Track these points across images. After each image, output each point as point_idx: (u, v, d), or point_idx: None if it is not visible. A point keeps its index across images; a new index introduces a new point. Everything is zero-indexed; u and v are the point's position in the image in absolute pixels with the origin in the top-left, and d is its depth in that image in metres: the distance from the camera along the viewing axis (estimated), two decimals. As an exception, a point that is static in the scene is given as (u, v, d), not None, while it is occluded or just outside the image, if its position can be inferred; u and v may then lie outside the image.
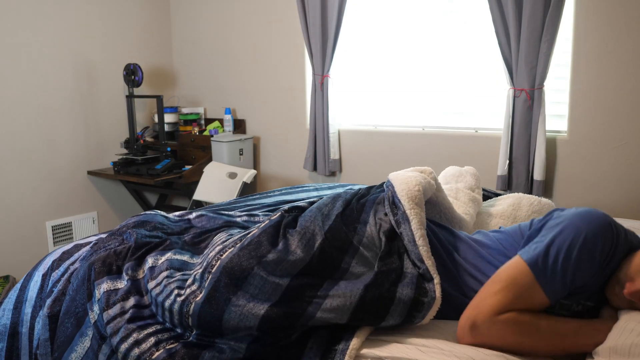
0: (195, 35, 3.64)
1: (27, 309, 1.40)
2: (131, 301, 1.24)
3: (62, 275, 1.40)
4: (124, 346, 1.16)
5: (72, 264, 1.43)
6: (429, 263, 1.18)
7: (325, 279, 1.19)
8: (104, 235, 1.53)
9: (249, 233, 1.32)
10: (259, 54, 3.34)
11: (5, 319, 1.41)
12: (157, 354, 1.11)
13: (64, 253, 1.49)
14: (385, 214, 1.32)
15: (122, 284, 1.30)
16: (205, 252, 1.33)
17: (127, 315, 1.21)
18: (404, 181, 1.36)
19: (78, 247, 1.51)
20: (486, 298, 1.10)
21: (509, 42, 2.37)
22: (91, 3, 3.23)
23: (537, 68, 2.31)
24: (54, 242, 3.14)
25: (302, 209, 1.43)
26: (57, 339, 1.28)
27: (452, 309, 1.19)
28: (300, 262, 1.20)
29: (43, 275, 1.44)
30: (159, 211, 1.67)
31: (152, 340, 1.15)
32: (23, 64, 2.93)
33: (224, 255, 1.23)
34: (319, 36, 2.89)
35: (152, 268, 1.31)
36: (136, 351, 1.14)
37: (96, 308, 1.26)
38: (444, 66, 2.72)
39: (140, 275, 1.32)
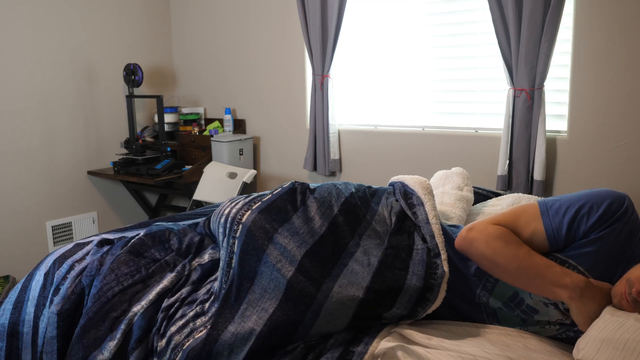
0: (195, 35, 3.64)
1: (30, 308, 1.40)
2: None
3: (68, 272, 1.40)
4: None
5: (78, 261, 1.43)
6: (439, 240, 1.24)
7: (340, 253, 1.23)
8: (115, 253, 1.47)
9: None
10: (259, 54, 3.34)
11: (4, 318, 1.41)
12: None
13: (65, 252, 1.49)
14: (397, 200, 1.38)
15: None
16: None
17: None
18: (412, 178, 1.45)
19: (80, 246, 1.51)
20: (492, 215, 1.24)
21: (509, 42, 2.37)
22: (91, 3, 3.23)
23: (537, 68, 2.31)
24: (54, 242, 3.14)
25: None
26: (71, 358, 1.27)
27: (456, 296, 1.23)
28: (318, 230, 1.25)
29: (45, 274, 1.43)
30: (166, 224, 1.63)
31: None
32: (23, 64, 2.93)
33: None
34: (319, 36, 2.89)
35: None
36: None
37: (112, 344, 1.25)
38: (444, 66, 2.71)
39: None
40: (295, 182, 1.42)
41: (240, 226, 1.26)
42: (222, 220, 1.32)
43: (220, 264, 1.29)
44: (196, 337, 1.17)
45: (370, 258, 1.21)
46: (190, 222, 1.64)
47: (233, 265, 1.23)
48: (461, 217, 1.66)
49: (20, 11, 2.89)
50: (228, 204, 1.38)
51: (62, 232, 3.19)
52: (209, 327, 1.17)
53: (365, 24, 2.93)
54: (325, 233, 1.25)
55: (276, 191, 1.37)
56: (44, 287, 1.41)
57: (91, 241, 1.54)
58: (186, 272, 1.35)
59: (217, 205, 1.91)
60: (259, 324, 1.13)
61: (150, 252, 1.40)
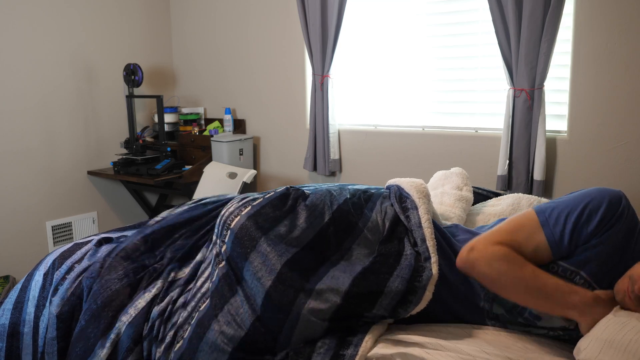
0: (195, 35, 3.64)
1: (30, 309, 1.40)
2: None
3: (67, 273, 1.40)
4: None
5: (77, 262, 1.43)
6: (431, 244, 1.22)
7: (322, 263, 1.22)
8: (110, 252, 1.49)
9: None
10: (259, 54, 3.34)
11: (5, 319, 1.41)
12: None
13: (64, 251, 1.49)
14: (391, 205, 1.36)
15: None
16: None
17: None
18: (409, 181, 1.43)
19: (79, 246, 1.50)
20: (491, 232, 1.19)
21: (509, 42, 2.37)
22: (91, 3, 3.23)
23: (537, 68, 2.30)
24: (54, 242, 3.14)
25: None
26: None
27: (457, 301, 1.22)
28: (303, 240, 1.24)
29: (44, 274, 1.43)
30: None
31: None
32: (23, 64, 2.93)
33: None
34: (319, 36, 2.89)
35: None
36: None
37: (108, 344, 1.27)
38: (444, 66, 2.71)
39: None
40: (290, 187, 1.42)
41: (229, 232, 1.27)
42: (218, 220, 1.34)
43: (212, 263, 1.30)
44: (184, 337, 1.20)
45: (355, 267, 1.20)
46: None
47: (222, 266, 1.25)
48: (461, 217, 1.66)
49: (20, 11, 2.89)
50: (226, 207, 1.38)
51: (62, 232, 3.19)
52: (196, 330, 1.19)
53: (365, 24, 2.93)
54: (310, 243, 1.24)
55: (268, 195, 1.37)
56: (44, 288, 1.41)
57: (90, 241, 1.54)
58: (170, 279, 1.36)
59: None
60: (239, 332, 1.15)
61: (141, 258, 1.41)
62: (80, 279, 1.37)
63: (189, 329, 1.20)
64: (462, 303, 1.24)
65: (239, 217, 1.29)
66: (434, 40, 2.73)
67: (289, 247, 1.22)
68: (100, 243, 1.51)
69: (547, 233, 1.14)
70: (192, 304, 1.26)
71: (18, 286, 1.47)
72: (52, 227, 3.13)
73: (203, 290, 1.28)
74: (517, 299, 1.13)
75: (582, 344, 1.02)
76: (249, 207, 1.31)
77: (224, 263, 1.25)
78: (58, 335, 1.31)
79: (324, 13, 2.87)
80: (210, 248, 1.37)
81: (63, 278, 1.39)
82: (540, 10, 2.24)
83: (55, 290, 1.37)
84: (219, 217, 1.35)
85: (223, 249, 1.27)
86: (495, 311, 1.21)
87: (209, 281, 1.28)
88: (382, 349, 1.10)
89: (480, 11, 2.55)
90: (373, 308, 1.15)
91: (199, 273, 1.34)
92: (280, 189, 1.40)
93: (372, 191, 1.44)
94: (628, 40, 2.18)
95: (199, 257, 1.39)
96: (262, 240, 1.23)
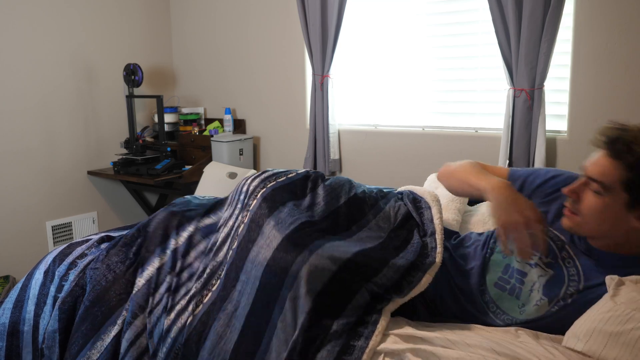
0: (195, 35, 3.64)
1: (30, 307, 1.40)
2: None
3: (69, 269, 1.41)
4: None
5: (78, 257, 1.45)
6: (439, 237, 1.31)
7: (330, 237, 1.30)
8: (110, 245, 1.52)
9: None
10: (259, 54, 3.34)
11: (5, 317, 1.42)
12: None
13: (64, 249, 1.50)
14: (404, 205, 1.46)
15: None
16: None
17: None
18: (421, 188, 1.55)
19: (79, 244, 1.51)
20: None
21: (509, 42, 2.37)
22: (91, 3, 3.23)
23: (537, 68, 2.31)
24: (54, 242, 3.14)
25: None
26: (71, 346, 1.30)
27: (462, 293, 1.29)
28: (317, 217, 1.35)
29: (45, 272, 1.45)
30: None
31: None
32: (23, 64, 2.93)
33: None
34: (319, 36, 2.89)
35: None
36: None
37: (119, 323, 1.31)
38: (444, 66, 2.72)
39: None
40: (310, 170, 1.53)
41: (255, 201, 1.40)
42: (242, 197, 1.46)
43: (231, 234, 1.39)
44: (204, 302, 1.26)
45: (364, 245, 1.28)
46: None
47: (241, 232, 1.35)
48: (456, 219, 1.66)
49: (20, 11, 2.89)
50: (245, 182, 1.51)
51: (62, 232, 3.19)
52: (219, 288, 1.26)
53: (365, 24, 2.93)
54: (321, 220, 1.35)
55: (291, 174, 1.49)
56: (44, 285, 1.42)
57: (90, 239, 1.55)
58: (170, 250, 1.42)
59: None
60: (259, 270, 1.23)
61: (138, 242, 1.46)
62: (84, 271, 1.40)
63: (210, 294, 1.27)
64: (464, 291, 1.30)
65: (265, 189, 1.43)
66: (434, 40, 2.73)
67: (303, 217, 1.32)
68: (102, 240, 1.53)
69: (510, 169, 1.43)
70: (208, 270, 1.33)
71: (18, 285, 1.47)
72: (52, 227, 3.13)
73: (219, 259, 1.36)
74: (452, 181, 1.41)
75: (578, 330, 0.98)
76: (274, 182, 1.45)
77: (247, 227, 1.34)
78: (59, 327, 1.32)
79: (324, 13, 2.88)
80: (227, 217, 1.46)
81: (66, 274, 1.40)
82: (540, 10, 2.24)
83: (61, 287, 1.39)
84: (242, 194, 1.46)
85: (247, 218, 1.37)
86: (489, 287, 1.27)
87: (223, 251, 1.36)
88: (392, 344, 1.10)
89: (480, 11, 2.55)
90: (380, 271, 1.21)
91: (216, 245, 1.41)
92: (302, 171, 1.51)
93: (388, 191, 1.55)
94: (628, 40, 2.18)
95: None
96: (284, 205, 1.36)
